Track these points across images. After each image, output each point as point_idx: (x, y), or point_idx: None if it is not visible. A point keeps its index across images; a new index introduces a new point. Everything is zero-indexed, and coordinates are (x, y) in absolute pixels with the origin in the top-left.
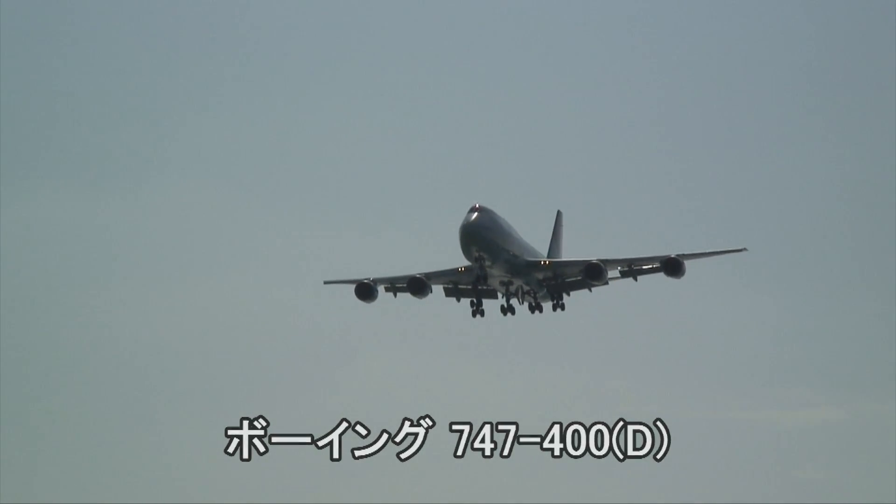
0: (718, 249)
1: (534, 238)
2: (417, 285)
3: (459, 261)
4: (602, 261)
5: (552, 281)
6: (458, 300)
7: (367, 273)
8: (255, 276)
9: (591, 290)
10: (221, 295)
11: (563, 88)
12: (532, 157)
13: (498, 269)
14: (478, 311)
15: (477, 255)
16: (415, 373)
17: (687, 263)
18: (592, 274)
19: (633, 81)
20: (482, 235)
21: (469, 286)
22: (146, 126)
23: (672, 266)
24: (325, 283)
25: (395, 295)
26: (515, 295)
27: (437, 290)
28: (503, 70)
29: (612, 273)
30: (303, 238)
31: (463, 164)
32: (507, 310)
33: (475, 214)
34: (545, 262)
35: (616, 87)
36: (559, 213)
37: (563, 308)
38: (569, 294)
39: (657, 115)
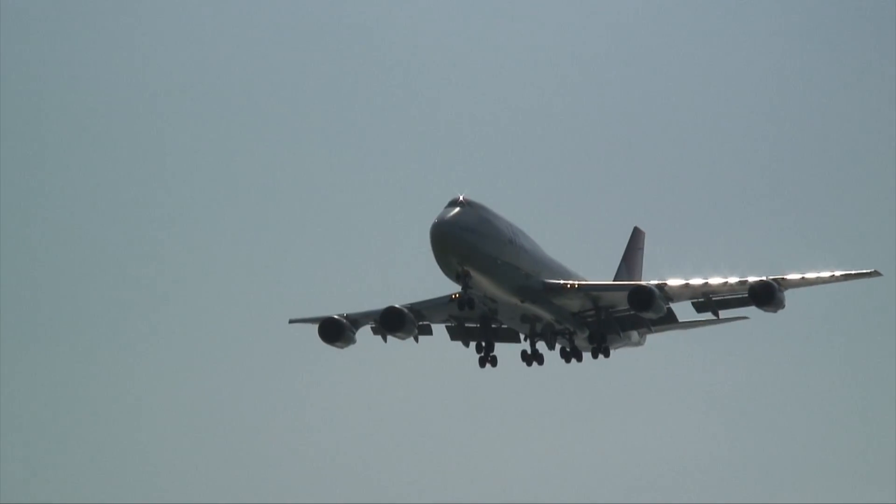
0: (835, 273)
1: (598, 264)
2: (392, 320)
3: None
4: (658, 286)
5: (591, 315)
6: (467, 344)
7: (344, 307)
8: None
9: (651, 330)
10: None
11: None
12: (608, 171)
13: (500, 293)
14: (487, 358)
15: (459, 269)
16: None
17: (790, 293)
18: (638, 302)
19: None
20: (464, 241)
21: (478, 324)
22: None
23: (761, 293)
24: (291, 321)
25: (385, 338)
26: (543, 336)
27: (441, 331)
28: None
29: (686, 312)
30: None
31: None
32: (532, 357)
33: (455, 210)
34: (571, 284)
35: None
36: (637, 232)
37: (605, 354)
38: (620, 335)
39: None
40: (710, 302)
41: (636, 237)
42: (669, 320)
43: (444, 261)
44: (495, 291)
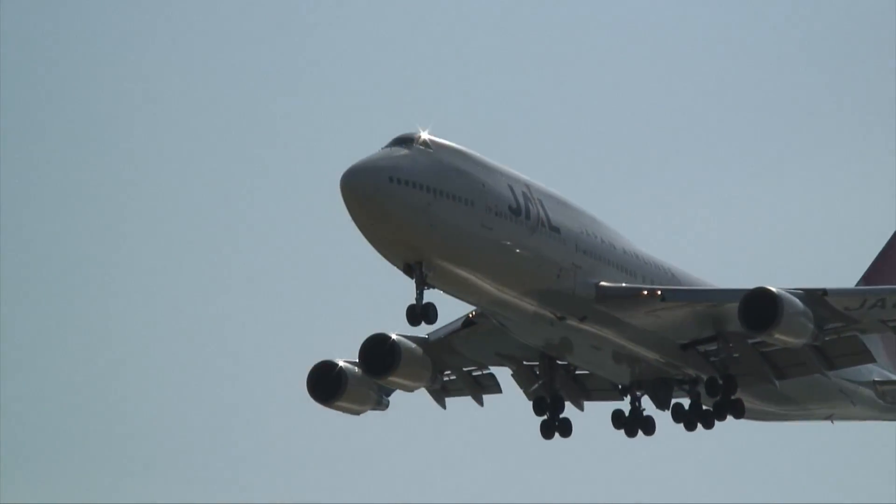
0: None
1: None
2: (377, 357)
3: None
4: (806, 291)
5: (713, 352)
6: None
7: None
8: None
9: (825, 374)
10: None
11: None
12: None
13: (508, 300)
14: (554, 422)
15: (408, 255)
16: None
17: None
18: (753, 315)
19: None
20: (406, 205)
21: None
22: None
23: None
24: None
25: (442, 401)
26: (648, 387)
27: (508, 381)
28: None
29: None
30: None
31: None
32: (632, 421)
33: (399, 152)
34: (650, 290)
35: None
36: None
37: (737, 412)
38: (775, 384)
39: None
40: None
41: None
42: (856, 357)
43: (377, 237)
44: (498, 296)
